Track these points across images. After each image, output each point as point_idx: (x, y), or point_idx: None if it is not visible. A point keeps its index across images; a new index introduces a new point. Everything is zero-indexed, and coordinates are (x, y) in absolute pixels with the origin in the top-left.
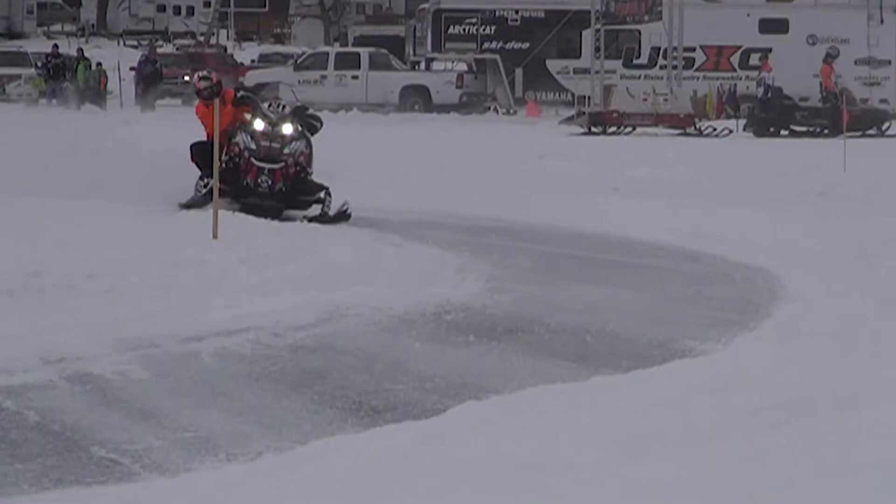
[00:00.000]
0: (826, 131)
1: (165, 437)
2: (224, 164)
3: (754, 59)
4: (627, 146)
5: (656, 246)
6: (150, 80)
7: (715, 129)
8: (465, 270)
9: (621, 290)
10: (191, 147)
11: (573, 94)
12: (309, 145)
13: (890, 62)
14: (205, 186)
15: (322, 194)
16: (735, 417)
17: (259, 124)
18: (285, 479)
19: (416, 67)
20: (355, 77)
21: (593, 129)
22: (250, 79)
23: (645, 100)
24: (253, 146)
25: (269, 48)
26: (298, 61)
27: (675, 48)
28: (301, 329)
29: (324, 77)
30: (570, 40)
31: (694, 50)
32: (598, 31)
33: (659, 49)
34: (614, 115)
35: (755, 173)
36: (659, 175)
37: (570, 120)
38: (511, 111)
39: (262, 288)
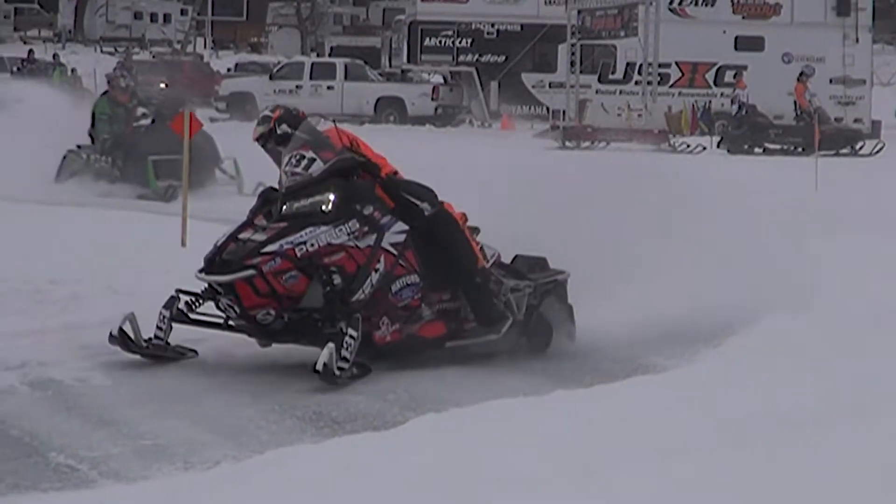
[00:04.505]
0: (800, 149)
1: (124, 444)
2: None
3: (729, 77)
4: (602, 161)
5: None
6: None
7: (689, 146)
8: None
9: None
10: None
11: (548, 108)
12: (373, 231)
13: (864, 81)
14: None
15: (342, 326)
16: (694, 434)
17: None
18: (242, 487)
19: (393, 79)
20: (331, 87)
21: (567, 143)
22: (226, 87)
23: (619, 115)
24: (223, 239)
25: (246, 57)
26: (275, 71)
27: (650, 64)
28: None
29: (299, 87)
30: (546, 54)
31: (669, 66)
32: (573, 45)
33: (634, 64)
34: (588, 129)
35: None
36: None
37: (544, 134)
38: (486, 124)
39: None
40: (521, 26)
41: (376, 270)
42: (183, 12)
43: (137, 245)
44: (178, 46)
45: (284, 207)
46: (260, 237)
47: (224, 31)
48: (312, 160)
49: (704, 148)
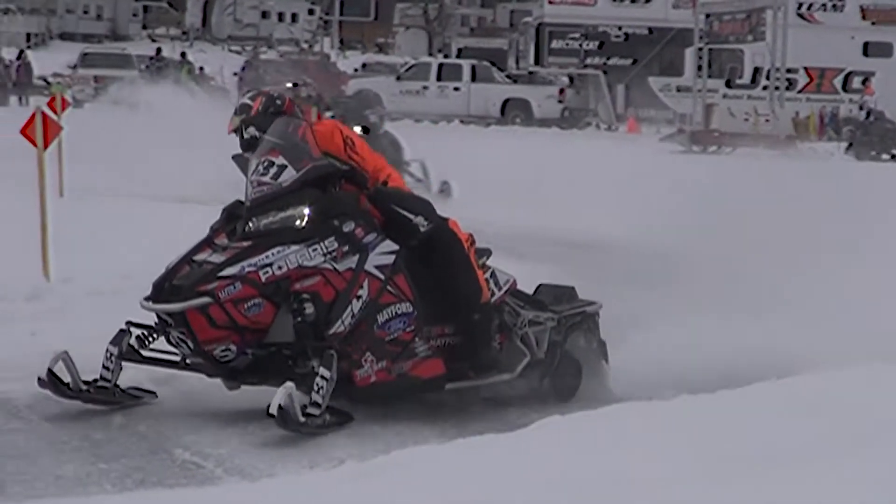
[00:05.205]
0: None
1: (250, 442)
2: None
3: (857, 82)
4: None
5: None
6: (252, 85)
7: (816, 152)
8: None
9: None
10: None
11: (674, 112)
12: (354, 251)
13: None
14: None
15: (314, 365)
16: (826, 440)
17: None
18: (366, 486)
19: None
20: (457, 89)
21: (694, 147)
22: (353, 87)
23: (747, 120)
24: (175, 261)
25: (373, 57)
26: (402, 71)
27: (777, 69)
28: None
29: (426, 88)
30: (674, 58)
31: (797, 71)
32: (700, 49)
33: (761, 69)
34: (715, 134)
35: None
36: None
37: (670, 137)
38: (612, 127)
39: None
40: (649, 30)
41: (358, 298)
42: (311, 12)
43: None
44: (305, 46)
45: (250, 224)
46: (218, 258)
47: (351, 31)
48: (283, 167)
49: (832, 154)
